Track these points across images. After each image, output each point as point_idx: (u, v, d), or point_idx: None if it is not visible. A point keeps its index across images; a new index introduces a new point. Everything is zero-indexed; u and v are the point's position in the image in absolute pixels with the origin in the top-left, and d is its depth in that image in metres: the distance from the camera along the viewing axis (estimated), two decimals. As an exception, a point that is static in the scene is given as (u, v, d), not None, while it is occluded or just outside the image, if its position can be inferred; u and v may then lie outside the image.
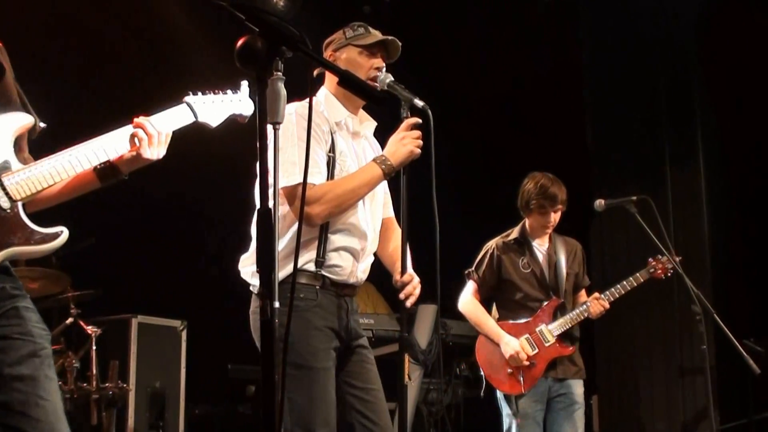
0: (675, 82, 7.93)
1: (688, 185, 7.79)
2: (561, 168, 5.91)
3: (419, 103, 3.74)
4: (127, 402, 7.06)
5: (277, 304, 3.06)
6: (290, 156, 3.66)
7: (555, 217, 5.72)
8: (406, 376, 3.73)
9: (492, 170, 6.06)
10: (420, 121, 3.77)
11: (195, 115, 3.41)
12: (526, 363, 5.56)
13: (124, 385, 6.90)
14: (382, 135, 4.02)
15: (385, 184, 4.05)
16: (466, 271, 5.86)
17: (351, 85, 3.08)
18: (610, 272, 6.08)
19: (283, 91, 2.66)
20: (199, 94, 3.47)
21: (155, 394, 7.39)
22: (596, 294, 5.74)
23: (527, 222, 5.81)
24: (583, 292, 5.88)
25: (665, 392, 7.64)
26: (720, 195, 7.91)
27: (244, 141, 3.78)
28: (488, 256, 5.82)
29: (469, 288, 5.84)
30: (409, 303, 3.77)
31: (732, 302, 7.43)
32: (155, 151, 3.21)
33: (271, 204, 2.53)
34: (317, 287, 3.73)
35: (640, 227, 5.58)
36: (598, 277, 6.10)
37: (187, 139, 3.45)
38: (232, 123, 3.57)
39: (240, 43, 2.44)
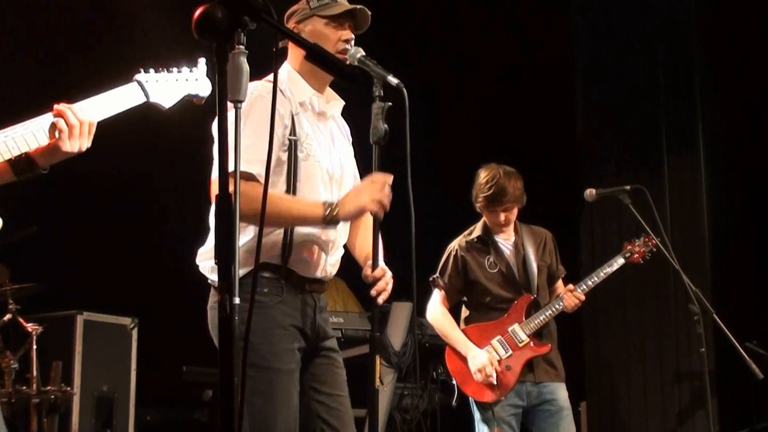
0: (673, 60, 7.98)
1: (686, 174, 7.82)
2: (548, 155, 5.93)
3: (393, 80, 3.69)
4: (71, 407, 7.05)
5: (237, 300, 3.05)
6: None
7: (507, 216, 5.71)
8: (378, 380, 3.72)
9: (473, 158, 6.03)
10: (390, 179, 3.70)
11: (146, 95, 3.38)
12: (493, 381, 5.58)
13: (68, 389, 6.87)
14: (353, 115, 4.00)
15: (354, 167, 4.05)
16: (431, 278, 5.86)
17: (320, 61, 3.05)
18: (601, 266, 6.09)
19: (246, 66, 2.64)
20: (152, 71, 3.43)
21: (102, 398, 7.38)
22: (570, 286, 5.74)
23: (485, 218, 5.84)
24: (559, 284, 5.89)
25: (660, 399, 7.67)
26: (722, 185, 7.94)
27: (203, 120, 3.77)
28: (452, 258, 5.82)
29: (436, 296, 5.85)
30: (381, 300, 3.75)
31: (734, 301, 7.47)
32: (76, 143, 3.15)
33: (231, 190, 2.50)
34: (282, 282, 3.71)
35: (635, 219, 5.59)
36: (589, 271, 6.10)
37: (140, 119, 3.43)
38: (188, 104, 3.54)
39: (198, 12, 2.39)
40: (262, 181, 2.90)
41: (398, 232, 3.71)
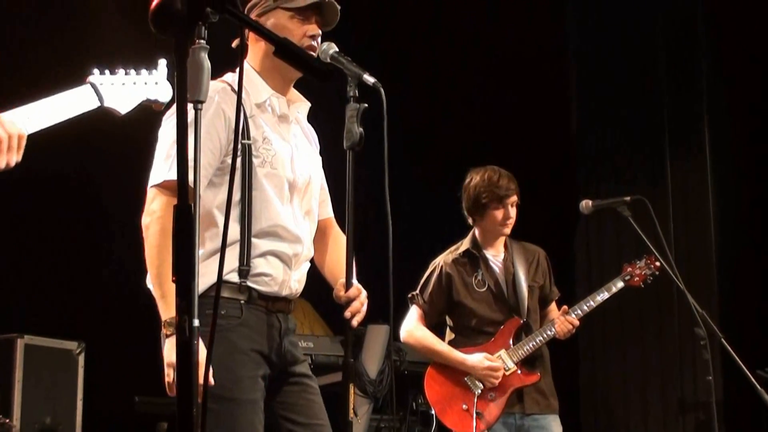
0: (677, 56, 8.03)
1: (691, 182, 7.87)
2: (541, 164, 5.96)
3: (369, 79, 3.69)
4: None
5: (196, 322, 3.04)
6: (165, 149, 3.65)
7: (513, 212, 5.74)
8: (352, 412, 3.71)
9: (460, 166, 6.04)
10: None
11: (100, 99, 3.36)
12: (507, 372, 5.60)
13: (6, 420, 6.82)
14: (324, 118, 4.00)
15: (321, 176, 4.06)
16: (410, 295, 5.87)
17: (291, 57, 3.04)
18: (597, 286, 6.11)
19: (207, 63, 2.63)
20: (107, 72, 3.41)
21: (45, 431, 7.26)
22: (564, 308, 5.78)
23: (477, 230, 5.85)
24: (552, 307, 5.92)
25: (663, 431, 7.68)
26: (730, 194, 7.96)
27: (158, 122, 3.76)
28: (435, 275, 5.84)
29: (413, 314, 5.86)
30: (355, 322, 3.73)
31: (743, 325, 7.49)
32: (3, 159, 3.12)
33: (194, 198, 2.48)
34: (242, 302, 3.69)
35: (635, 234, 5.60)
36: (584, 291, 6.12)
37: (88, 119, 3.41)
38: (146, 109, 3.53)
39: (155, 3, 2.39)
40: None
41: (374, 248, 3.72)
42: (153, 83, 3.52)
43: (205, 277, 3.58)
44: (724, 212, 7.82)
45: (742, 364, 5.27)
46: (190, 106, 2.47)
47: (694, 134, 7.87)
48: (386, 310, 3.70)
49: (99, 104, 3.34)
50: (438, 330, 5.91)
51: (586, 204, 5.85)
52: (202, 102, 2.63)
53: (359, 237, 3.73)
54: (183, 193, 2.31)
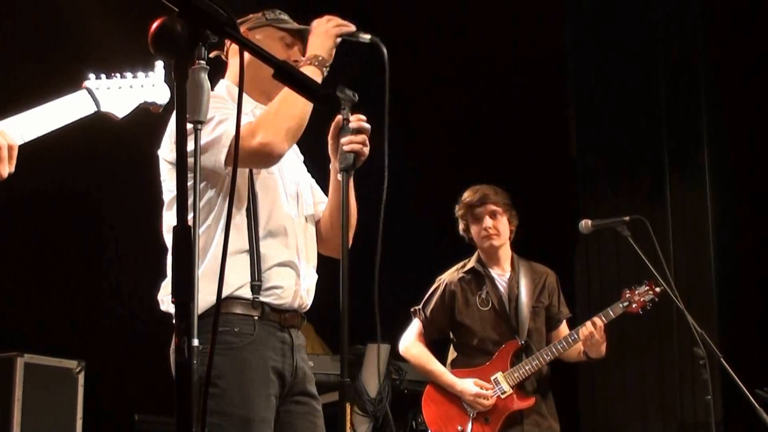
0: (676, 76, 8.01)
1: (691, 201, 7.85)
2: (541, 183, 5.96)
3: (366, 36, 3.79)
4: None
5: (196, 342, 3.04)
6: (215, 119, 3.64)
7: (495, 224, 5.75)
8: (350, 430, 3.73)
9: (458, 184, 6.07)
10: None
11: (97, 104, 3.35)
12: (502, 396, 5.63)
13: (7, 439, 6.82)
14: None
15: (310, 180, 4.10)
16: (413, 309, 5.90)
17: (290, 80, 3.02)
18: (597, 306, 6.12)
19: (207, 84, 2.65)
20: (103, 77, 3.40)
21: (45, 451, 7.29)
22: (564, 329, 5.86)
23: (480, 250, 5.87)
24: (563, 328, 5.92)
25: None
26: (729, 213, 7.96)
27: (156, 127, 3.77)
28: (438, 292, 5.88)
29: (413, 328, 5.90)
30: (347, 148, 3.76)
31: (743, 344, 7.48)
32: None
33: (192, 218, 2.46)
34: (255, 318, 3.68)
35: (635, 253, 5.60)
36: (583, 312, 6.13)
37: (90, 134, 3.41)
38: (144, 112, 3.52)
39: (155, 26, 2.39)
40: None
41: (373, 265, 3.73)
42: (150, 85, 3.51)
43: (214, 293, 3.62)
44: (723, 231, 7.80)
45: (741, 384, 5.25)
46: (190, 126, 2.48)
47: (693, 153, 7.86)
48: (382, 327, 3.73)
49: (96, 109, 3.32)
50: (442, 346, 5.93)
51: (585, 224, 5.86)
52: (201, 122, 2.65)
53: (360, 258, 3.76)
54: (182, 213, 2.32)
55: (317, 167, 4.13)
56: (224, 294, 3.62)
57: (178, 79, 2.39)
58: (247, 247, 3.69)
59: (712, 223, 7.73)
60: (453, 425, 5.71)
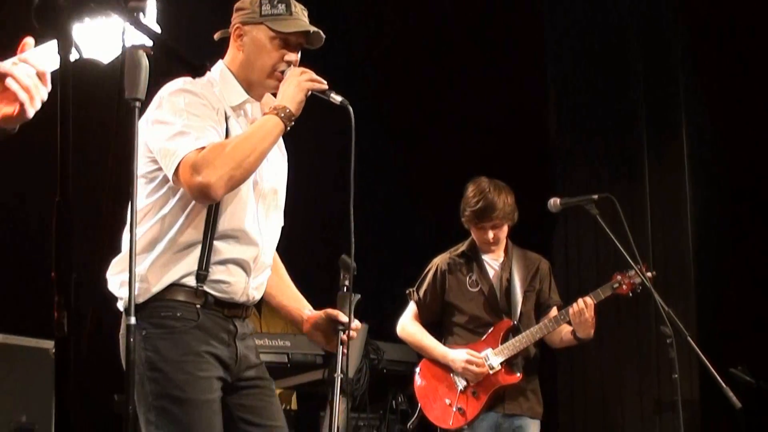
0: (655, 56, 8.05)
1: (669, 180, 7.91)
2: (520, 164, 5.99)
3: (337, 98, 3.81)
4: None
5: (133, 320, 3.07)
6: (177, 126, 3.64)
7: (496, 234, 5.86)
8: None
9: (436, 167, 6.12)
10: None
11: (78, 51, 3.23)
12: (488, 371, 5.71)
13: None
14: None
15: (284, 183, 4.08)
16: (408, 291, 6.00)
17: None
18: (575, 287, 6.16)
19: (145, 62, 2.65)
20: (86, 20, 3.22)
21: (20, 429, 7.28)
22: (554, 311, 5.91)
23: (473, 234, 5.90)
24: (552, 313, 5.97)
25: (641, 431, 7.74)
26: (707, 194, 7.99)
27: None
28: (431, 274, 5.99)
29: (409, 310, 6.01)
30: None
31: (721, 322, 7.56)
32: (38, 103, 2.91)
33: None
34: (198, 306, 3.72)
35: (605, 233, 5.61)
36: (562, 291, 6.17)
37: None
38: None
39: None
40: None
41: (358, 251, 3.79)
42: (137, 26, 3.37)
43: (161, 280, 3.67)
44: (701, 212, 7.87)
45: (710, 363, 5.26)
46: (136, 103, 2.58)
47: (671, 134, 7.93)
48: (365, 309, 3.92)
49: (78, 56, 3.03)
50: (435, 330, 6.05)
51: (554, 202, 5.88)
52: (140, 100, 2.64)
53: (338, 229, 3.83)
54: (64, 183, 2.31)
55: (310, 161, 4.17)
56: (170, 281, 3.68)
57: (62, 52, 2.31)
58: (201, 241, 3.71)
59: (690, 204, 7.79)
60: (441, 399, 5.83)
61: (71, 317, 2.29)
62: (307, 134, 4.02)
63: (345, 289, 3.91)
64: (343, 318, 3.91)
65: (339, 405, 3.90)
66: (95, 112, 4.13)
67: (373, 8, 8.75)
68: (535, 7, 8.65)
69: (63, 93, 2.29)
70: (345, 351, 3.89)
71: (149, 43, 2.90)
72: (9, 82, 2.85)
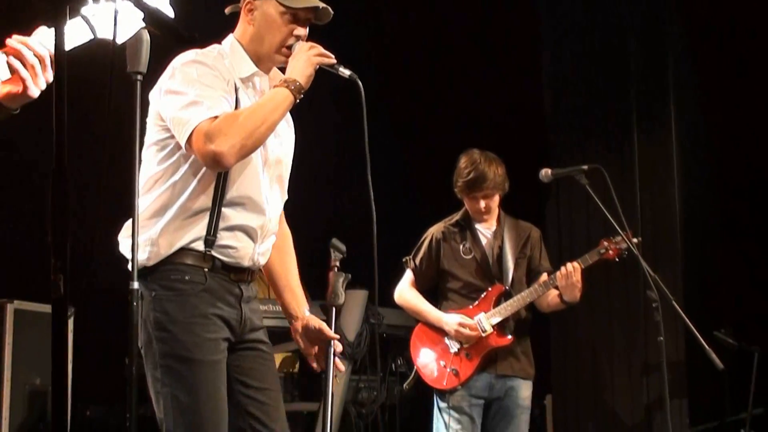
0: (644, 25, 8.11)
1: (657, 150, 7.97)
2: (515, 136, 6.05)
3: (345, 71, 3.92)
4: (1, 402, 7.04)
5: (136, 285, 3.22)
6: (190, 96, 3.71)
7: (488, 204, 5.96)
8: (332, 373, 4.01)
9: (431, 140, 6.16)
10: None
11: (93, 31, 3.09)
12: (481, 334, 5.84)
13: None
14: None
15: (291, 155, 4.16)
16: (404, 259, 6.15)
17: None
18: (568, 255, 6.29)
19: (147, 36, 2.77)
20: (102, 0, 3.09)
21: (35, 392, 7.34)
22: (544, 276, 5.99)
23: (466, 204, 6.09)
24: (544, 277, 6.04)
25: (629, 390, 7.82)
26: (694, 164, 8.08)
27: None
28: (427, 243, 6.10)
29: (406, 277, 6.12)
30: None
31: (706, 288, 7.69)
32: (42, 83, 2.95)
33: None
34: (205, 269, 3.80)
35: (595, 202, 5.72)
36: (554, 261, 6.28)
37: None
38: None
39: None
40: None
41: (362, 216, 3.95)
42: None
43: (171, 244, 3.77)
44: (689, 181, 7.93)
45: (694, 326, 5.38)
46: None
47: (660, 107, 7.97)
48: (366, 276, 4.00)
49: (92, 36, 3.07)
50: (431, 296, 6.16)
51: (545, 173, 5.95)
52: (141, 73, 2.72)
53: (344, 217, 3.91)
54: (60, 150, 2.32)
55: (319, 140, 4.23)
56: (179, 245, 3.77)
57: (55, 27, 2.32)
58: (210, 207, 3.80)
59: (677, 173, 7.85)
60: (437, 361, 5.93)
61: (67, 280, 2.35)
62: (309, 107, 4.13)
63: (336, 269, 4.00)
64: (332, 335, 4.05)
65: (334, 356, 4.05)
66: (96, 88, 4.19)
67: (373, 8, 8.81)
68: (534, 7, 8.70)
69: (59, 57, 2.35)
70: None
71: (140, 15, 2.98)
72: (11, 60, 2.90)
